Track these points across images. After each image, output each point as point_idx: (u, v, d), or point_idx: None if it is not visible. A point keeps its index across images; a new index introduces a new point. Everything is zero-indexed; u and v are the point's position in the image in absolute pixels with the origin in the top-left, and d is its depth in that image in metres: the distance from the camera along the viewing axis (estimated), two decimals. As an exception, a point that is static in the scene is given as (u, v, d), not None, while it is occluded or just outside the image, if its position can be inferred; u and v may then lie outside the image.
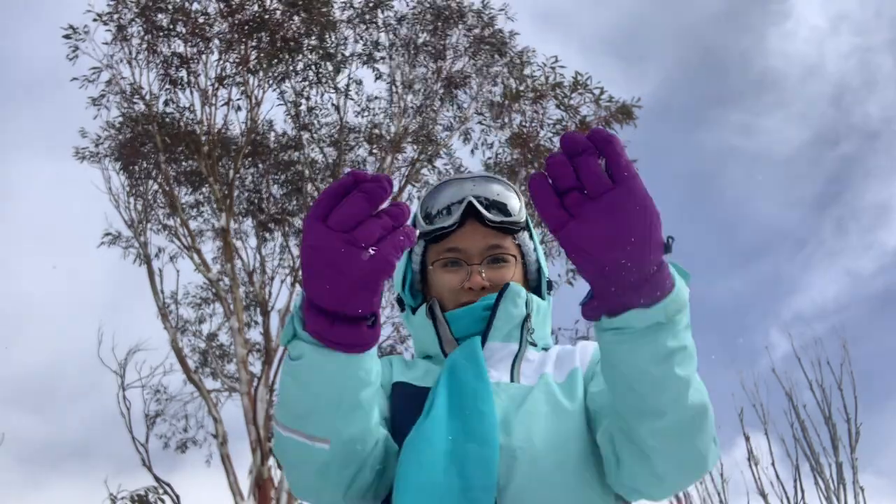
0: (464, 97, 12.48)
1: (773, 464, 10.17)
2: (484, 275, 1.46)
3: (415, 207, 1.49)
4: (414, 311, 1.53)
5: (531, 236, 1.56)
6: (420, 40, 12.30)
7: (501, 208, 1.49)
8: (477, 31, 12.22)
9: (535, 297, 1.50)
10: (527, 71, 12.01)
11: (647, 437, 1.14)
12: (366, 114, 12.70)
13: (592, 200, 0.97)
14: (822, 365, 10.51)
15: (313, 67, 12.43)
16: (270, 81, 12.40)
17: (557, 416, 1.29)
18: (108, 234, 12.69)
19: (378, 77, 12.52)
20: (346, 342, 1.08)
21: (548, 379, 1.36)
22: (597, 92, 11.65)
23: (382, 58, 12.44)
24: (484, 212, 1.46)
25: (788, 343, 12.56)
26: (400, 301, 1.57)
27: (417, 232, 1.26)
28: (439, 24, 12.20)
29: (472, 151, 12.67)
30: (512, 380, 1.37)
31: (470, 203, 1.46)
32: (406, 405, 1.34)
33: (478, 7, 12.28)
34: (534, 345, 1.46)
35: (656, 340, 1.05)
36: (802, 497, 9.92)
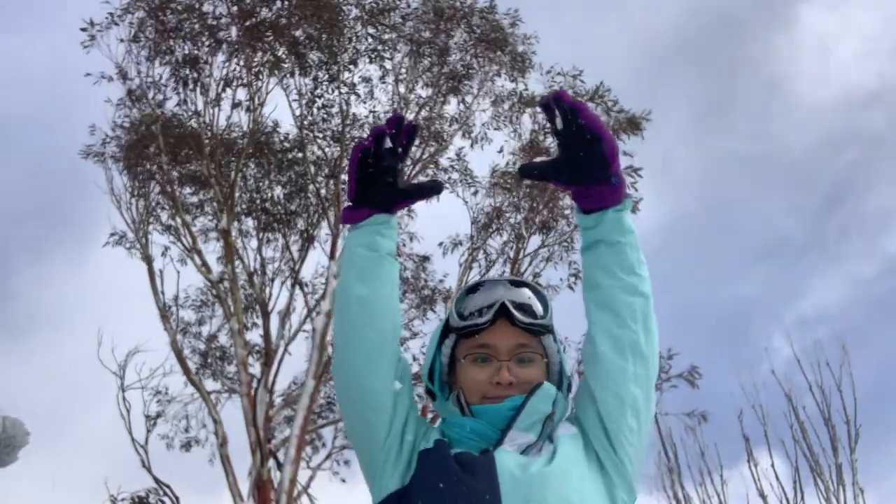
0: (467, 87, 12.46)
1: (772, 465, 10.17)
2: (510, 369, 1.59)
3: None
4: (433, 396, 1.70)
5: (555, 339, 1.69)
6: (425, 37, 12.30)
7: (530, 311, 1.64)
8: (476, 21, 12.20)
9: (561, 398, 1.63)
10: (546, 78, 12.09)
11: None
12: (371, 108, 12.71)
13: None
14: (822, 367, 10.51)
15: (323, 67, 12.43)
16: (276, 81, 12.42)
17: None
18: (113, 235, 12.71)
19: (384, 75, 12.52)
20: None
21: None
22: (610, 104, 11.80)
23: (389, 57, 12.43)
24: (515, 313, 1.61)
25: (790, 347, 12.57)
26: (429, 392, 1.71)
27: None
28: (442, 23, 12.20)
29: (472, 145, 12.65)
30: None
31: (503, 304, 1.61)
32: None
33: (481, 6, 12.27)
34: (550, 440, 1.58)
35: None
36: (802, 498, 9.91)
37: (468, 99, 12.57)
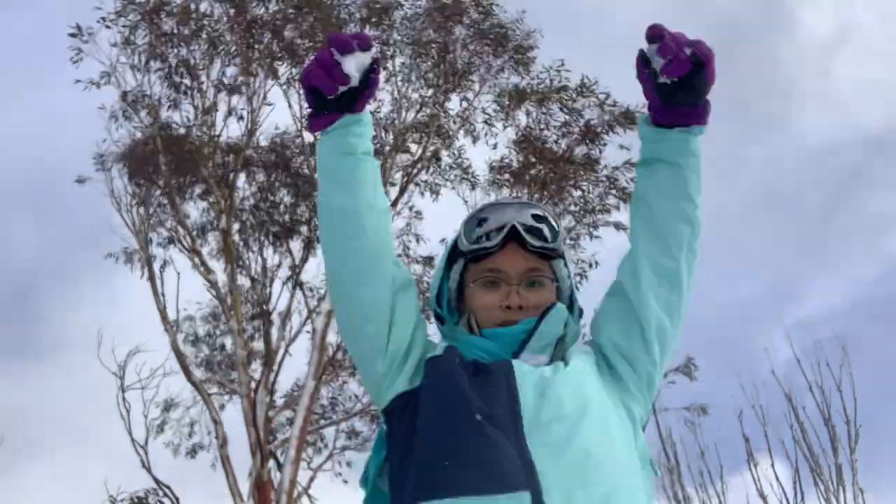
0: (469, 82, 12.40)
1: (772, 465, 10.17)
2: (521, 292, 1.56)
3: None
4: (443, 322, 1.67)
5: (565, 264, 1.66)
6: (425, 38, 12.25)
7: (541, 235, 1.60)
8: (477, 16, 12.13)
9: (572, 321, 1.60)
10: (532, 72, 11.99)
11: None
12: (373, 110, 12.64)
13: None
14: (822, 367, 10.51)
15: None
16: (272, 82, 12.39)
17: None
18: (109, 255, 12.76)
19: (387, 79, 12.47)
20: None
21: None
22: (602, 97, 11.71)
23: (392, 55, 12.36)
24: (526, 236, 1.58)
25: (790, 347, 12.57)
26: (438, 317, 1.67)
27: (458, 241, 1.63)
28: (443, 20, 12.15)
29: (475, 141, 12.59)
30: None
31: (513, 227, 1.57)
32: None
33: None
34: (563, 361, 1.52)
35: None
36: (802, 499, 9.91)
37: (469, 96, 12.51)
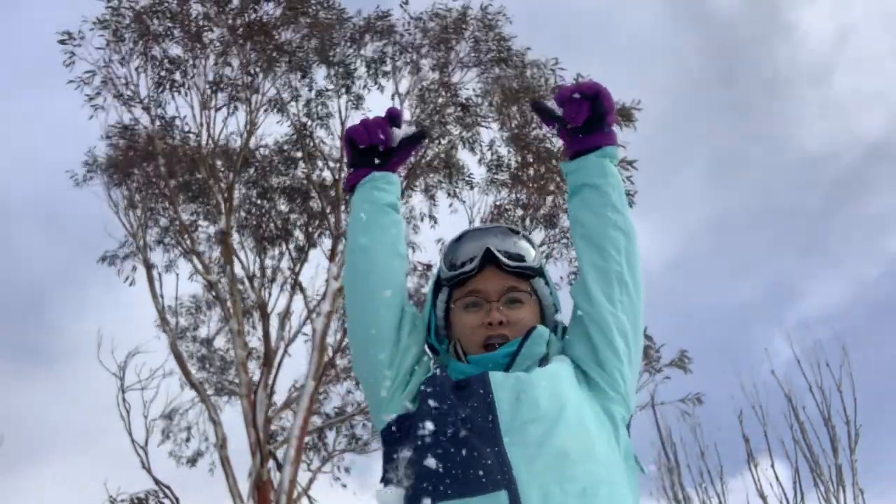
0: (467, 92, 12.39)
1: (772, 465, 10.16)
2: (501, 310, 1.67)
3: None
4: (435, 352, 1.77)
5: (546, 282, 1.76)
6: (424, 49, 12.23)
7: (516, 255, 1.72)
8: (480, 34, 12.13)
9: (555, 339, 1.70)
10: (528, 73, 11.98)
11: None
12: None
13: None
14: (822, 367, 10.50)
15: (323, 68, 12.37)
16: (270, 83, 12.37)
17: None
18: (104, 258, 12.77)
19: (392, 91, 12.46)
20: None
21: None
22: None
23: (387, 72, 12.34)
24: (501, 257, 1.69)
25: (790, 348, 12.56)
26: (432, 348, 1.77)
27: (435, 273, 1.78)
28: (443, 36, 12.13)
29: (472, 149, 12.58)
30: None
31: (488, 250, 1.69)
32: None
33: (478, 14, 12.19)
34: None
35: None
36: (802, 499, 9.90)
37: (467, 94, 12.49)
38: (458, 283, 1.72)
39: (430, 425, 1.51)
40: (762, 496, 10.01)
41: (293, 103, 12.47)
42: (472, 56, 12.17)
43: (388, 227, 1.74)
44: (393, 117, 1.77)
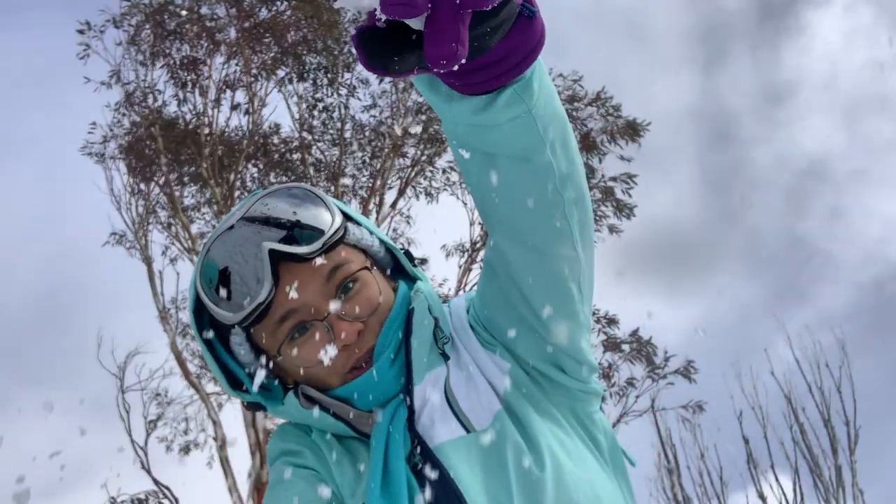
0: None
1: (772, 466, 10.18)
2: (344, 313, 1.11)
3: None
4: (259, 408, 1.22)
5: (357, 223, 1.19)
6: None
7: (308, 235, 1.10)
8: None
9: (427, 298, 1.20)
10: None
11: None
12: (371, 112, 12.75)
13: None
14: (822, 369, 10.51)
15: (322, 70, 12.45)
16: (274, 83, 12.44)
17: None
18: (113, 234, 12.71)
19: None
20: None
21: (502, 418, 1.13)
22: (611, 109, 11.86)
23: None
24: (293, 250, 1.08)
25: (790, 349, 12.57)
26: (252, 405, 1.20)
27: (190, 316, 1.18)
28: None
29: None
30: (463, 426, 1.12)
31: (273, 253, 1.08)
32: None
33: None
34: (445, 356, 1.18)
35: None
36: (802, 500, 9.92)
37: None
38: (257, 318, 1.10)
39: None
40: (762, 497, 10.02)
41: (296, 99, 12.55)
42: None
43: None
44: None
